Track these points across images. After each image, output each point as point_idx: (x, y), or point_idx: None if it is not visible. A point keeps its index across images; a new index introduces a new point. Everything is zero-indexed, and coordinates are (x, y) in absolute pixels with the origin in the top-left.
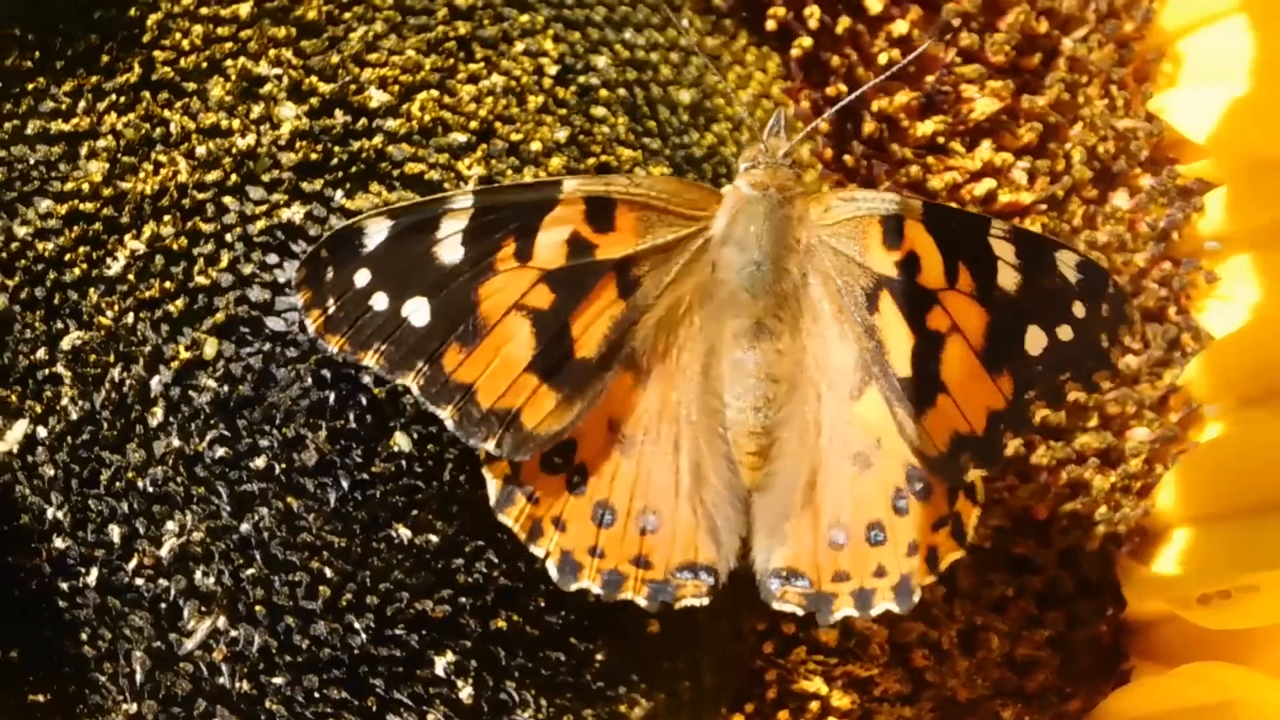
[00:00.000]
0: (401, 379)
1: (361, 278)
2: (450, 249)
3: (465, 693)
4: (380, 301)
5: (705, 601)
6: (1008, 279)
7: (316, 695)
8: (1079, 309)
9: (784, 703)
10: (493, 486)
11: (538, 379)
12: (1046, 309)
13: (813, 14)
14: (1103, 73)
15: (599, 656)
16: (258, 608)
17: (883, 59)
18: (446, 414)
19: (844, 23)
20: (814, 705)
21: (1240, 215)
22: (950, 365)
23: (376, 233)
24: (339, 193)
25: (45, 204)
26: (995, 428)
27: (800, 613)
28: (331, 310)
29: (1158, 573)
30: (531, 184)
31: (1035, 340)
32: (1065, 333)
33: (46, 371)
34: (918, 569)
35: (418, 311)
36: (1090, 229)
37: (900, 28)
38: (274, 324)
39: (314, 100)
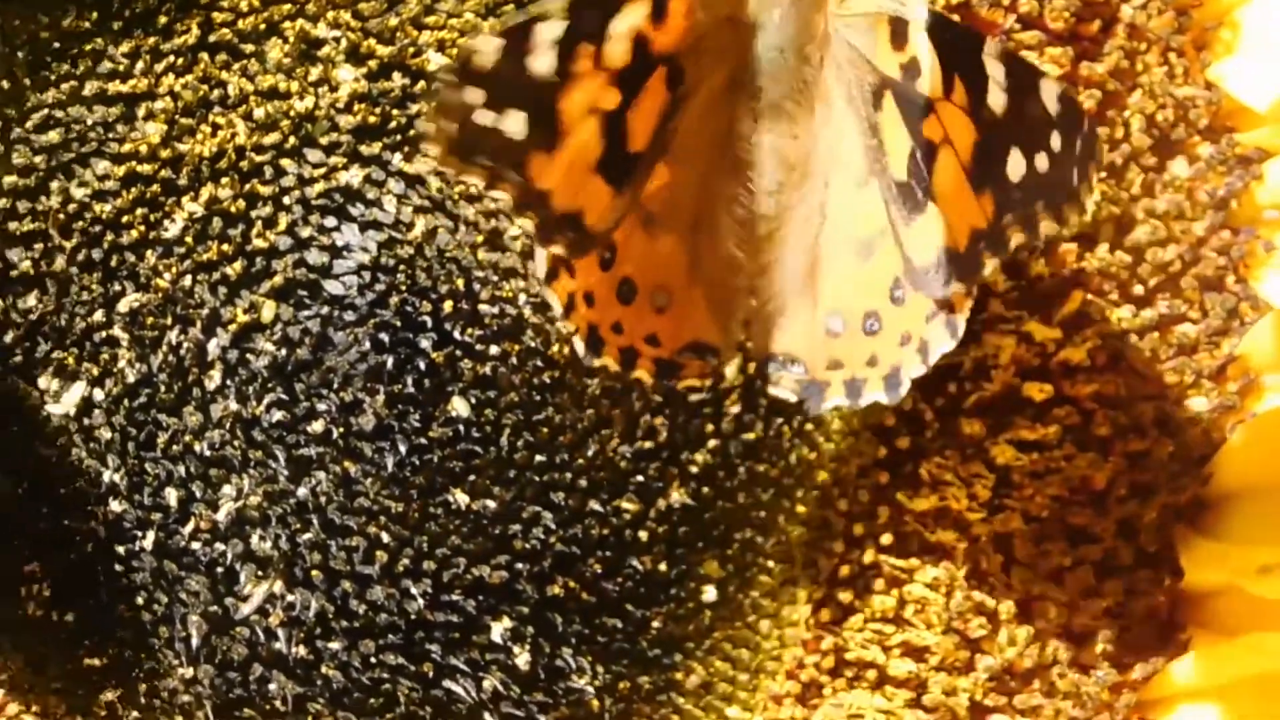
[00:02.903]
0: (498, 192)
1: (473, 97)
2: (542, 60)
3: (522, 658)
4: (485, 117)
5: (707, 383)
6: (996, 99)
7: (373, 660)
8: (1055, 141)
9: (840, 671)
10: (542, 260)
11: (600, 178)
12: (1028, 136)
13: None
14: (1161, 40)
15: (655, 624)
16: (314, 572)
17: None
18: (529, 221)
19: None
20: (870, 674)
21: None
22: (941, 176)
23: (488, 53)
24: (397, 156)
25: (103, 165)
26: (975, 245)
27: (793, 399)
28: (454, 134)
29: (1216, 543)
30: None
31: (1015, 165)
32: (1042, 162)
33: (104, 334)
34: (909, 360)
35: (515, 123)
36: (1149, 197)
37: None
38: (332, 287)
39: (372, 63)
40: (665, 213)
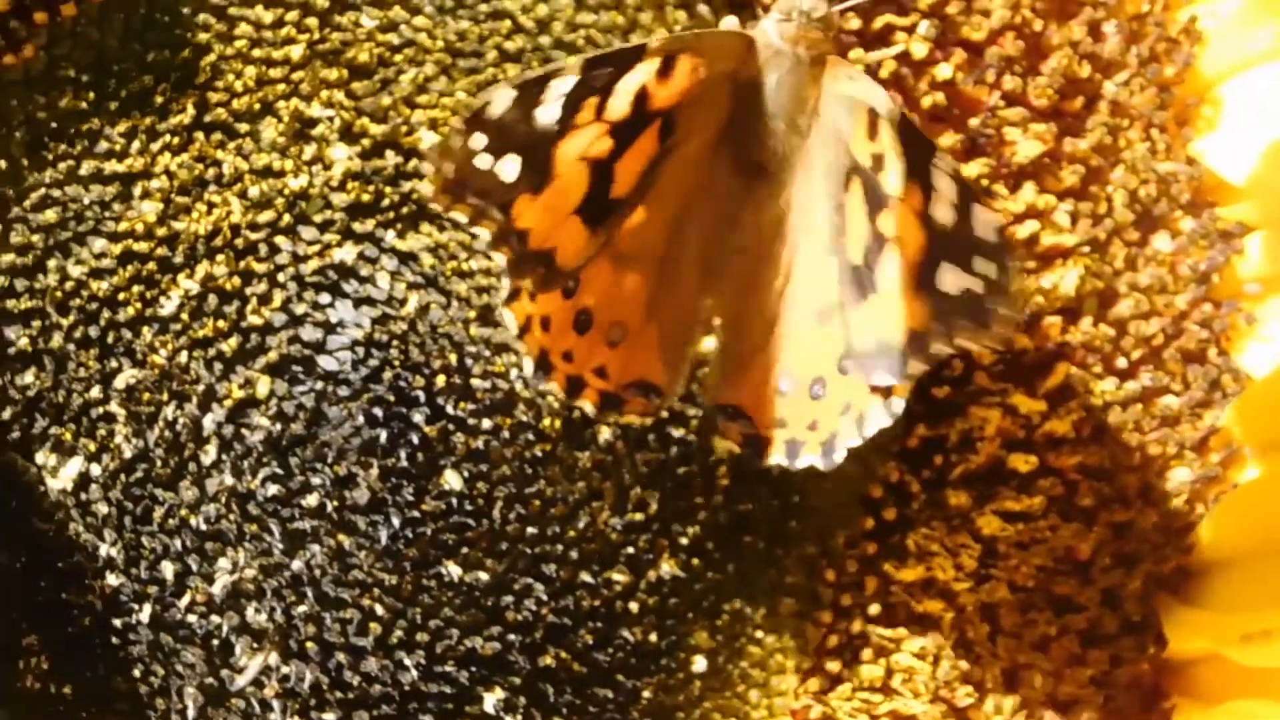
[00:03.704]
0: (479, 228)
1: (477, 142)
2: (549, 111)
3: None
4: (484, 161)
5: (649, 421)
6: (942, 212)
7: None
8: (987, 268)
9: None
10: (506, 284)
11: (579, 219)
12: (964, 254)
13: (859, 60)
14: (1144, 116)
15: (645, 694)
16: (309, 644)
17: (927, 102)
18: (502, 256)
19: (890, 67)
20: None
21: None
22: (887, 271)
23: (500, 102)
24: (390, 233)
25: (100, 244)
26: (909, 344)
27: (737, 450)
28: (450, 174)
29: (1200, 611)
30: (629, 47)
31: (947, 279)
32: (975, 285)
33: (100, 410)
34: (846, 429)
35: (509, 168)
36: (1132, 271)
37: (944, 71)
38: (326, 363)
39: (365, 142)
40: (634, 252)
